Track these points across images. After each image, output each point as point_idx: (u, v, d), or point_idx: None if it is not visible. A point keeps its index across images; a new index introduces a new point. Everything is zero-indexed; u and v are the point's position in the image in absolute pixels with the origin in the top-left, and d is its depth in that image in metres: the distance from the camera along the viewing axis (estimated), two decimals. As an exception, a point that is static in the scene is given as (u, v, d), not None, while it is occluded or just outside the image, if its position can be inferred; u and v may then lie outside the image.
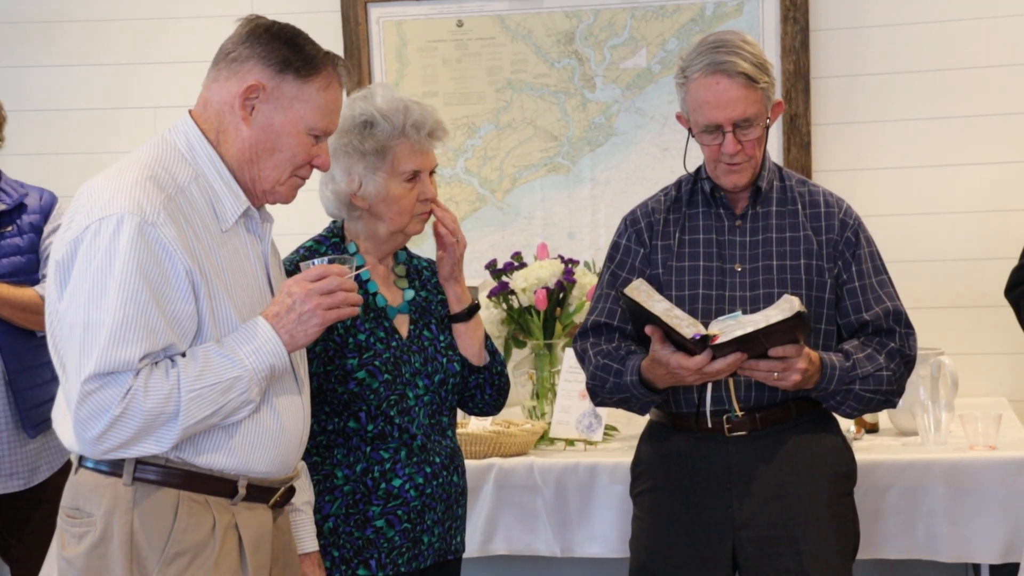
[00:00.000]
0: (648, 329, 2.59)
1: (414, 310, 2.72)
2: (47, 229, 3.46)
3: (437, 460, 2.66)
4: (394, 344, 2.64)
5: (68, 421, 2.15)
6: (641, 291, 2.60)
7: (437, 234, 2.70)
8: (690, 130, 2.79)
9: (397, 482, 2.60)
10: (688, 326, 2.56)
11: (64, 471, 3.34)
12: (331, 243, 2.68)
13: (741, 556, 2.74)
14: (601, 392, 2.81)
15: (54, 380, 2.21)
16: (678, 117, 2.83)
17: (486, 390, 2.77)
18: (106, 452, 2.13)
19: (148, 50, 4.39)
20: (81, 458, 2.23)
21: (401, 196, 2.62)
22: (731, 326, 2.56)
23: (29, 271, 3.40)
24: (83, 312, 2.10)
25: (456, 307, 2.72)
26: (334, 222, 2.72)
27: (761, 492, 2.73)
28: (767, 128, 2.76)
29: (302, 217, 2.77)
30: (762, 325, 2.53)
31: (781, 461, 2.74)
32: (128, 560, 2.15)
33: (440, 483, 2.66)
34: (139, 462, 2.16)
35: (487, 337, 2.78)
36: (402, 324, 2.69)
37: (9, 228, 3.44)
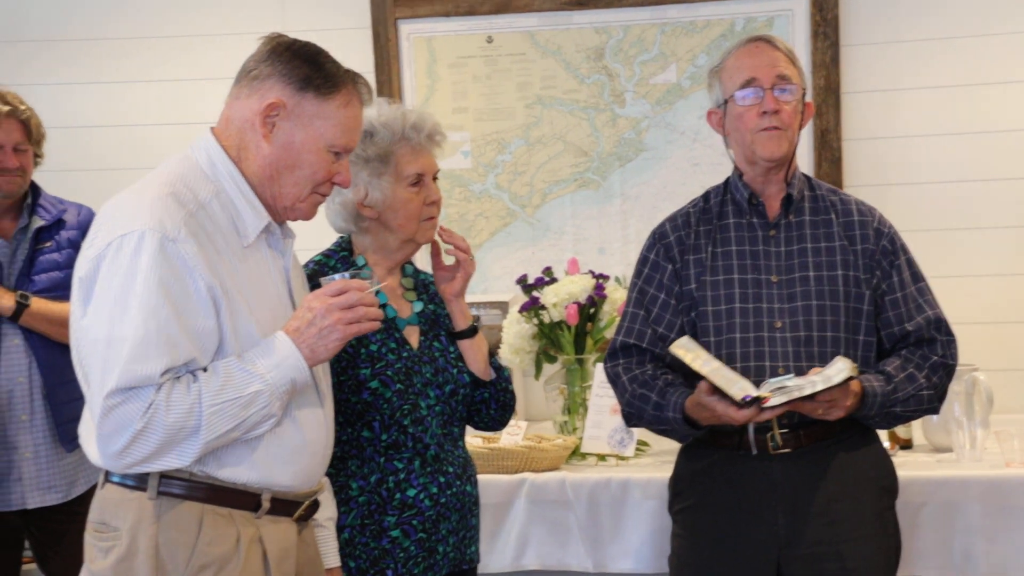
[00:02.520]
0: (700, 385, 2.56)
1: (423, 322, 2.72)
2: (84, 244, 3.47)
3: (451, 470, 2.66)
4: (405, 355, 2.64)
5: (93, 436, 2.16)
6: (688, 350, 2.59)
7: (439, 261, 2.69)
8: (724, 127, 2.75)
9: (412, 492, 2.60)
10: (737, 388, 2.53)
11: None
12: (340, 257, 2.68)
13: (788, 574, 2.71)
14: (638, 421, 2.79)
15: (91, 395, 2.22)
16: (709, 115, 2.80)
17: (491, 405, 2.76)
18: (129, 466, 2.13)
19: (178, 67, 4.42)
20: (107, 473, 2.24)
21: (408, 200, 2.62)
22: (780, 389, 2.54)
23: (67, 286, 3.37)
24: (105, 327, 2.10)
25: (462, 324, 2.71)
26: (342, 237, 2.73)
27: (807, 509, 2.70)
28: (801, 120, 2.73)
29: (313, 232, 2.76)
30: (815, 391, 2.51)
31: (826, 477, 2.71)
32: (154, 573, 2.15)
33: (454, 493, 2.65)
34: (163, 476, 2.17)
35: (492, 353, 2.77)
36: (412, 335, 2.69)
37: (48, 244, 3.47)
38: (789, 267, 2.75)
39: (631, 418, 2.80)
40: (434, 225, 2.67)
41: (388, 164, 2.60)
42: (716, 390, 2.55)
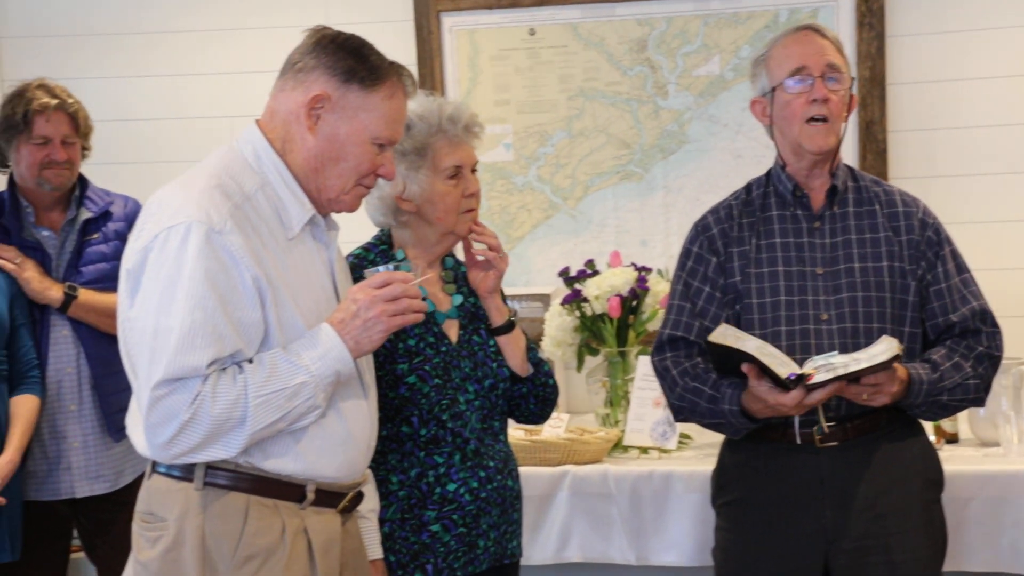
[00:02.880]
0: (744, 367, 2.55)
1: (463, 315, 2.71)
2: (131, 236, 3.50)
3: (491, 464, 2.65)
4: (444, 349, 2.63)
5: (140, 426, 2.17)
6: (728, 335, 2.57)
7: (471, 257, 2.68)
8: (770, 117, 2.73)
9: (452, 486, 2.59)
10: (781, 365, 2.52)
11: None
12: (379, 250, 2.68)
13: (834, 567, 2.70)
14: (690, 415, 2.76)
15: (138, 385, 2.24)
16: (753, 104, 2.78)
17: (530, 400, 2.75)
18: (176, 457, 2.15)
19: (224, 60, 4.44)
20: (154, 463, 2.26)
21: (446, 193, 2.61)
22: (825, 366, 2.53)
23: (114, 278, 3.41)
24: (153, 319, 2.12)
25: (498, 319, 2.70)
26: (381, 230, 2.72)
27: (854, 503, 2.68)
28: (847, 113, 2.70)
29: (353, 225, 2.76)
30: (859, 367, 2.50)
31: (873, 471, 2.69)
32: (200, 563, 2.16)
33: (495, 487, 2.64)
34: (209, 467, 2.18)
35: (531, 348, 2.76)
36: (451, 329, 2.68)
37: (95, 236, 3.50)
38: (834, 259, 2.73)
39: (681, 412, 2.77)
40: (473, 217, 2.66)
41: (425, 157, 2.59)
42: (762, 373, 2.54)
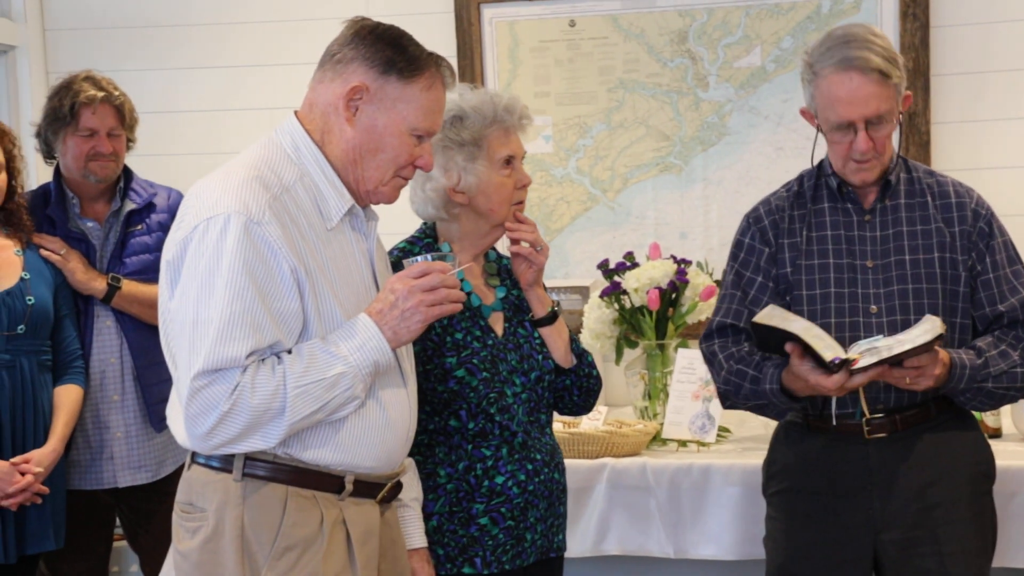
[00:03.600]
0: (788, 347, 2.54)
1: (507, 308, 2.70)
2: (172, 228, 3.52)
3: (538, 457, 2.64)
4: (490, 342, 2.62)
5: (180, 417, 2.17)
6: (775, 316, 2.56)
7: (516, 251, 2.65)
8: (818, 126, 2.70)
9: (500, 479, 2.59)
10: (827, 348, 2.52)
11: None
12: (424, 243, 2.67)
13: (883, 557, 2.69)
14: (734, 397, 2.76)
15: (180, 376, 2.24)
16: (802, 112, 2.75)
17: (573, 392, 2.73)
18: (215, 448, 2.15)
19: (264, 52, 4.44)
20: (193, 454, 2.26)
21: (501, 184, 2.60)
22: (870, 350, 2.51)
23: (157, 269, 3.43)
24: (192, 310, 2.12)
25: (541, 311, 2.69)
26: (425, 223, 2.71)
27: (903, 493, 2.68)
28: (899, 123, 2.68)
29: (397, 217, 2.75)
30: (903, 349, 2.49)
31: (922, 462, 2.68)
32: (239, 554, 2.17)
33: (542, 480, 2.63)
34: (248, 458, 2.18)
35: (574, 340, 2.74)
36: (496, 322, 2.67)
37: (139, 227, 3.52)
38: (884, 251, 2.71)
39: (728, 396, 2.78)
40: (520, 209, 2.66)
41: (481, 148, 2.58)
42: (806, 353, 2.52)
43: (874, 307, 2.68)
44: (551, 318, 2.69)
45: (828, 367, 2.50)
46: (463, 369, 2.56)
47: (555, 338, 2.69)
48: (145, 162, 3.71)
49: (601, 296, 3.81)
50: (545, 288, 2.73)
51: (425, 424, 2.58)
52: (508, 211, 2.62)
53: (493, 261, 2.74)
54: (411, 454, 2.57)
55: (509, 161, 2.60)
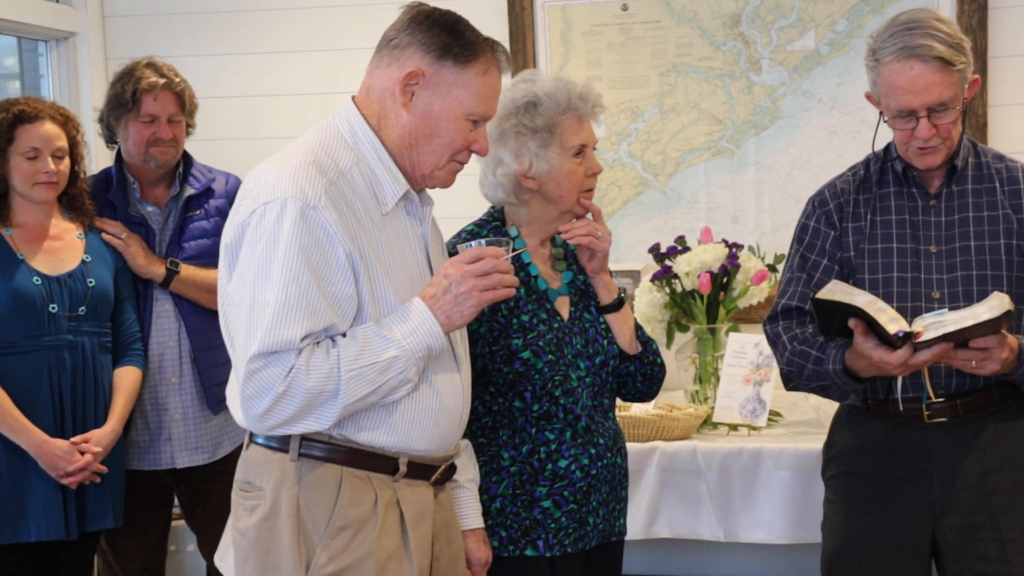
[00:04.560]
0: (851, 323, 2.51)
1: (574, 292, 2.69)
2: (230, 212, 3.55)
3: (601, 441, 2.63)
4: (556, 325, 2.61)
5: (238, 398, 2.19)
6: (838, 291, 2.54)
7: (578, 241, 2.64)
8: (881, 112, 2.67)
9: (563, 463, 2.58)
10: (891, 321, 2.48)
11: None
12: (492, 227, 2.66)
13: (941, 543, 2.67)
14: (797, 378, 2.74)
15: (236, 359, 2.27)
16: (867, 96, 2.72)
17: (637, 379, 2.72)
18: (271, 428, 2.17)
19: (319, 38, 4.46)
20: (251, 434, 2.28)
21: (572, 172, 2.59)
22: (934, 324, 2.48)
23: (215, 254, 3.46)
24: (249, 293, 2.14)
25: (607, 297, 2.68)
26: (493, 207, 2.70)
27: (963, 479, 2.65)
28: (963, 109, 2.63)
29: (464, 200, 2.76)
30: (967, 324, 2.45)
31: (984, 447, 2.66)
32: (295, 532, 2.19)
33: (605, 464, 2.63)
34: (304, 439, 2.20)
35: (639, 327, 2.73)
36: (563, 306, 2.66)
37: (197, 212, 3.55)
38: (949, 237, 2.68)
39: (791, 377, 2.75)
40: (589, 197, 2.65)
41: (554, 135, 2.57)
42: (870, 330, 2.50)
43: (936, 293, 2.65)
44: (617, 304, 2.68)
45: (892, 343, 2.47)
46: (529, 351, 2.56)
47: (620, 325, 2.68)
48: (204, 147, 3.75)
49: (652, 280, 3.80)
50: (612, 275, 2.72)
51: (490, 405, 2.59)
52: (576, 197, 2.61)
53: (560, 246, 2.73)
54: (475, 435, 2.59)
55: (581, 149, 2.59)
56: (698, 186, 4.26)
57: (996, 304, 2.46)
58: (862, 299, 2.51)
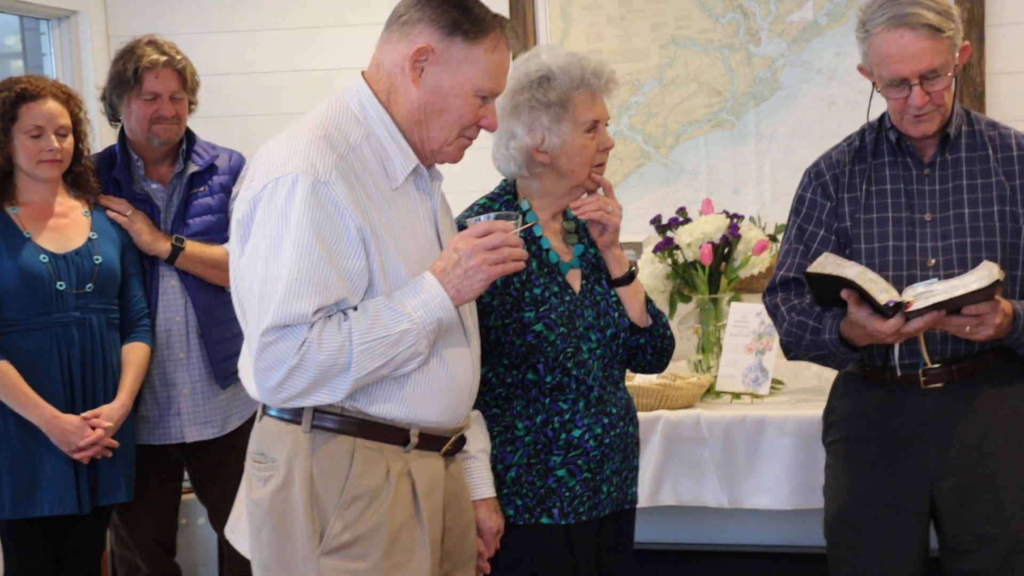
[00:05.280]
0: (844, 293, 2.53)
1: (585, 265, 2.70)
2: (235, 189, 3.56)
3: (614, 411, 2.65)
4: (568, 298, 2.63)
5: (251, 371, 2.21)
6: (828, 264, 2.56)
7: (588, 216, 2.65)
8: (874, 83, 2.69)
9: (577, 432, 2.60)
10: (882, 291, 2.51)
11: (253, 421, 3.47)
12: (504, 200, 2.67)
13: (940, 505, 2.70)
14: (796, 348, 2.76)
15: (243, 334, 2.29)
16: (860, 69, 2.73)
17: (647, 351, 2.74)
18: (284, 401, 2.19)
19: (328, 13, 4.44)
20: (264, 406, 2.30)
21: (584, 146, 2.60)
22: (924, 294, 2.50)
23: (220, 230, 3.52)
24: (261, 267, 2.15)
25: (618, 271, 2.69)
26: (505, 180, 2.71)
27: (960, 443, 2.67)
28: (955, 76, 2.64)
29: (473, 175, 2.76)
30: (958, 293, 2.46)
31: (979, 412, 2.68)
32: (309, 503, 2.21)
33: (617, 433, 2.65)
34: (317, 411, 2.22)
35: (649, 300, 2.75)
36: (574, 279, 2.68)
37: (201, 188, 3.55)
38: (943, 205, 2.70)
39: (790, 347, 2.78)
40: (601, 172, 2.65)
41: (567, 110, 2.57)
42: (863, 300, 2.52)
43: (932, 260, 2.67)
44: (628, 278, 2.69)
45: (883, 311, 2.50)
46: (541, 324, 2.58)
47: (631, 298, 2.69)
48: (204, 124, 3.75)
49: (654, 251, 3.82)
50: (622, 248, 2.73)
51: (503, 377, 2.61)
52: (588, 172, 2.62)
53: (572, 219, 2.74)
54: (489, 406, 2.61)
55: (594, 125, 2.60)
56: (699, 158, 4.26)
57: (986, 273, 2.48)
58: (852, 271, 2.53)
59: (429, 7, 2.24)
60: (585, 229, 2.74)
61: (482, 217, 2.28)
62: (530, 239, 2.61)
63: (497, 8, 2.35)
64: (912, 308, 2.48)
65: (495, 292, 2.54)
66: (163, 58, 3.44)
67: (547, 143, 2.59)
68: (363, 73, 2.31)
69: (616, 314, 2.68)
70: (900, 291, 2.57)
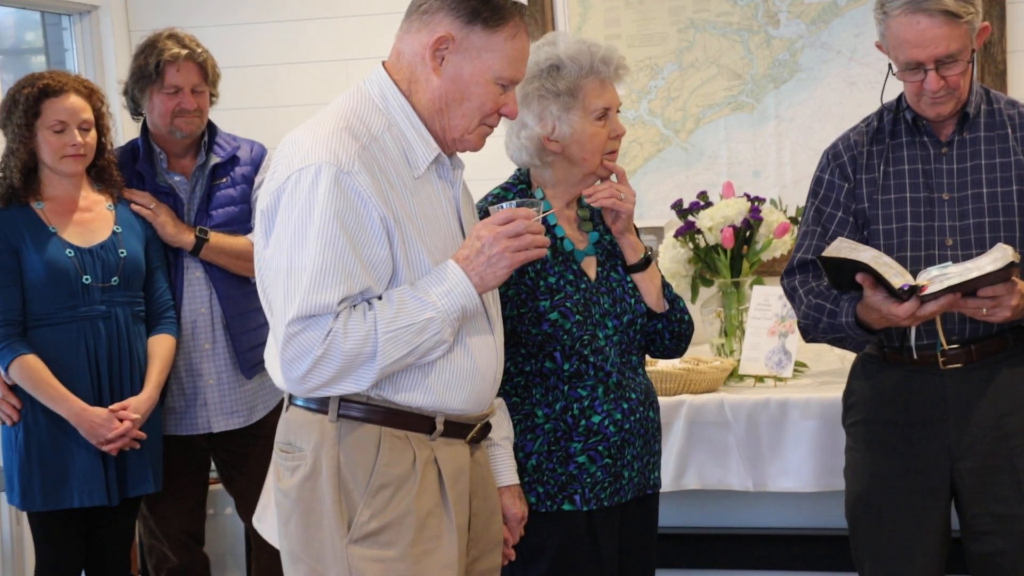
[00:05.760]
0: (859, 277, 2.53)
1: (600, 252, 2.70)
2: (257, 180, 3.57)
3: (633, 396, 2.65)
4: (583, 286, 2.63)
5: (277, 361, 2.22)
6: (843, 248, 2.56)
7: (601, 203, 2.64)
8: (890, 64, 2.67)
9: (596, 418, 2.60)
10: (896, 275, 2.51)
11: (278, 410, 3.49)
12: (518, 189, 2.67)
13: (960, 486, 2.70)
14: (814, 331, 2.76)
15: (267, 324, 2.30)
16: (878, 46, 2.72)
17: (665, 336, 2.73)
18: (310, 390, 2.19)
19: (339, 4, 4.44)
20: (291, 396, 2.31)
21: (594, 134, 2.59)
22: (939, 277, 2.50)
23: (242, 220, 3.53)
24: (286, 258, 2.15)
25: (633, 257, 2.69)
26: (519, 169, 2.71)
27: (979, 423, 2.67)
28: (972, 60, 2.63)
29: (493, 163, 2.76)
30: (972, 276, 2.46)
31: (999, 392, 2.67)
32: (336, 492, 2.22)
33: (638, 419, 2.65)
34: (343, 400, 2.22)
35: (667, 285, 2.75)
36: (590, 266, 2.67)
37: (224, 180, 3.57)
38: (961, 184, 2.69)
39: (808, 330, 2.78)
40: (613, 159, 2.65)
41: (576, 98, 2.57)
42: (877, 283, 2.52)
43: (949, 240, 2.66)
44: (644, 264, 2.68)
45: (898, 295, 2.50)
46: (556, 312, 2.58)
47: (647, 284, 2.69)
48: (225, 116, 3.75)
49: (676, 236, 3.81)
50: (639, 234, 2.72)
51: (522, 366, 2.61)
52: (600, 160, 2.61)
53: (586, 207, 2.73)
54: (509, 395, 2.61)
55: (604, 112, 2.59)
56: (719, 141, 4.25)
57: (1000, 256, 2.47)
58: (867, 255, 2.53)
59: None
60: (599, 216, 2.73)
61: (504, 204, 2.28)
62: (545, 227, 2.60)
63: (516, -5, 2.34)
64: (927, 292, 2.48)
65: (510, 282, 2.53)
66: (184, 51, 3.45)
67: (557, 132, 2.58)
68: (384, 63, 2.31)
69: (632, 300, 2.67)
70: (916, 273, 2.57)
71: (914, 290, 2.49)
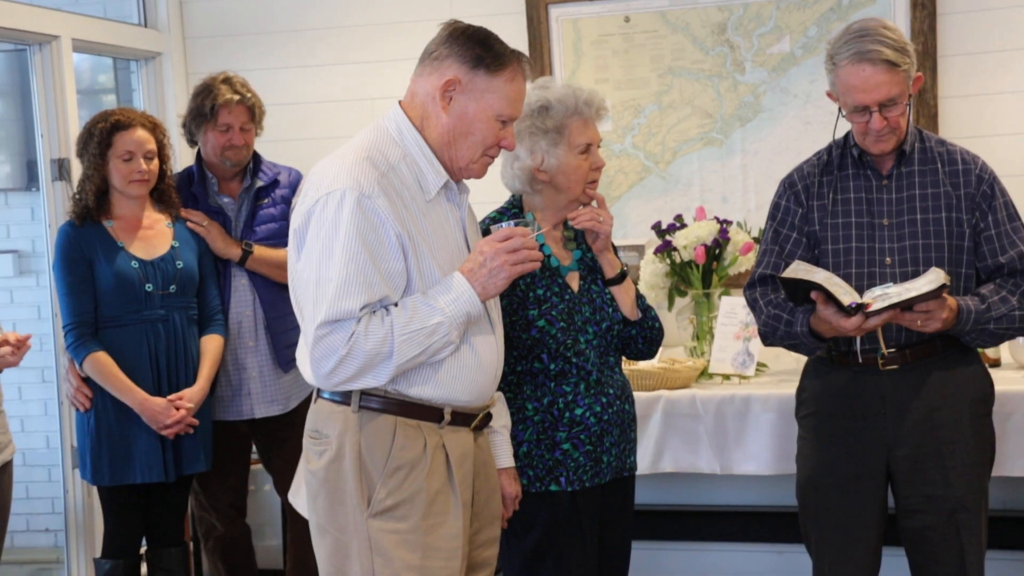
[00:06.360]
0: (813, 295, 2.54)
1: (582, 268, 2.69)
2: (294, 201, 3.55)
3: (611, 391, 2.63)
4: (567, 297, 2.62)
5: (307, 360, 2.21)
6: (799, 269, 2.56)
7: (583, 225, 2.63)
8: (840, 107, 2.67)
9: (579, 411, 2.59)
10: (845, 294, 2.52)
11: (309, 400, 3.49)
12: (512, 213, 2.67)
13: (895, 471, 2.70)
14: (772, 337, 2.76)
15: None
16: (828, 95, 2.72)
17: (639, 341, 2.72)
18: (336, 385, 2.19)
19: (364, 51, 4.43)
20: (319, 390, 2.30)
21: (578, 166, 2.59)
22: (882, 296, 2.51)
23: (282, 235, 3.52)
24: (315, 270, 2.15)
25: (610, 272, 2.68)
26: (513, 196, 2.71)
27: (913, 417, 2.66)
28: (909, 103, 2.63)
29: (493, 188, 2.75)
30: (910, 296, 2.48)
31: (929, 390, 2.66)
32: (358, 473, 2.21)
33: (615, 411, 2.63)
34: (363, 393, 2.21)
35: (640, 296, 2.73)
36: (573, 280, 2.66)
37: (266, 200, 3.56)
38: (899, 211, 2.68)
39: (767, 336, 2.77)
40: (594, 187, 2.64)
41: (562, 135, 2.57)
42: (829, 300, 2.52)
43: (888, 259, 2.66)
44: (620, 278, 2.67)
45: (846, 311, 2.50)
46: (544, 320, 2.57)
47: (623, 295, 2.67)
48: (266, 147, 3.74)
49: (655, 253, 3.79)
50: (616, 251, 2.71)
51: (514, 366, 2.60)
52: (582, 188, 2.61)
53: (570, 228, 2.72)
54: (503, 391, 2.58)
55: (587, 148, 2.59)
56: (693, 171, 4.23)
57: (933, 279, 2.49)
58: (820, 275, 2.53)
59: (456, 44, 2.23)
60: (582, 236, 2.72)
61: (503, 224, 2.28)
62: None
63: (518, 44, 2.33)
64: (871, 309, 2.49)
65: (503, 294, 2.52)
66: (236, 97, 3.45)
67: (546, 164, 2.58)
68: (400, 102, 2.31)
69: (610, 309, 2.66)
70: (863, 288, 2.57)
71: (860, 307, 2.49)
